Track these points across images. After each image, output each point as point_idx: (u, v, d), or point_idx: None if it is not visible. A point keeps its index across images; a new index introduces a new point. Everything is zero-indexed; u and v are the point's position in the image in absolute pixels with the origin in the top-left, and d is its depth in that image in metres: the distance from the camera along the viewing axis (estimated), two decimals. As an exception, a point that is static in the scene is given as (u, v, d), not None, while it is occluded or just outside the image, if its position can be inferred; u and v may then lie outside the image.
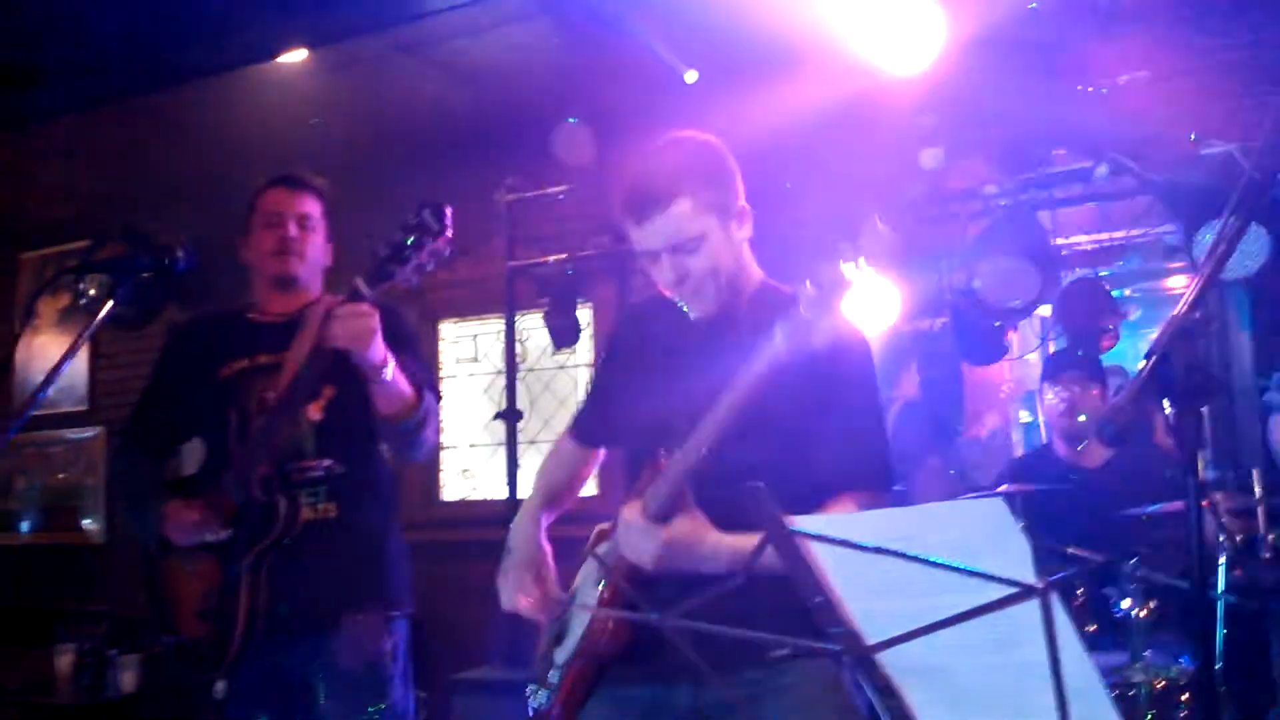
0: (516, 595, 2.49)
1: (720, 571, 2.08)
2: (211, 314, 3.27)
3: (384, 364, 2.82)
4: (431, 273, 2.83)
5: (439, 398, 3.12)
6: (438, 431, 3.13)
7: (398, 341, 2.91)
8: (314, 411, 2.95)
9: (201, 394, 3.07)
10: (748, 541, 2.03)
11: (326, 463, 2.97)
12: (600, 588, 2.36)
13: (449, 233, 2.80)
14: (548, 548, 2.56)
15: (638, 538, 2.17)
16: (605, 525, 2.46)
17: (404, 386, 2.89)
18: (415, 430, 2.96)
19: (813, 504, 2.14)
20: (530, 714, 2.48)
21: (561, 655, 2.42)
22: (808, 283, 2.01)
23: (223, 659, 2.88)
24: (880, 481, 2.28)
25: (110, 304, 2.91)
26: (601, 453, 2.74)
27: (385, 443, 3.07)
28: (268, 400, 2.96)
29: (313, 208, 3.14)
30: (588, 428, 2.69)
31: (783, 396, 2.10)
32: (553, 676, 2.42)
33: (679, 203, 2.24)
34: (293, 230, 3.09)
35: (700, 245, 2.26)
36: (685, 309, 2.35)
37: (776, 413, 2.13)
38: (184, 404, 3.13)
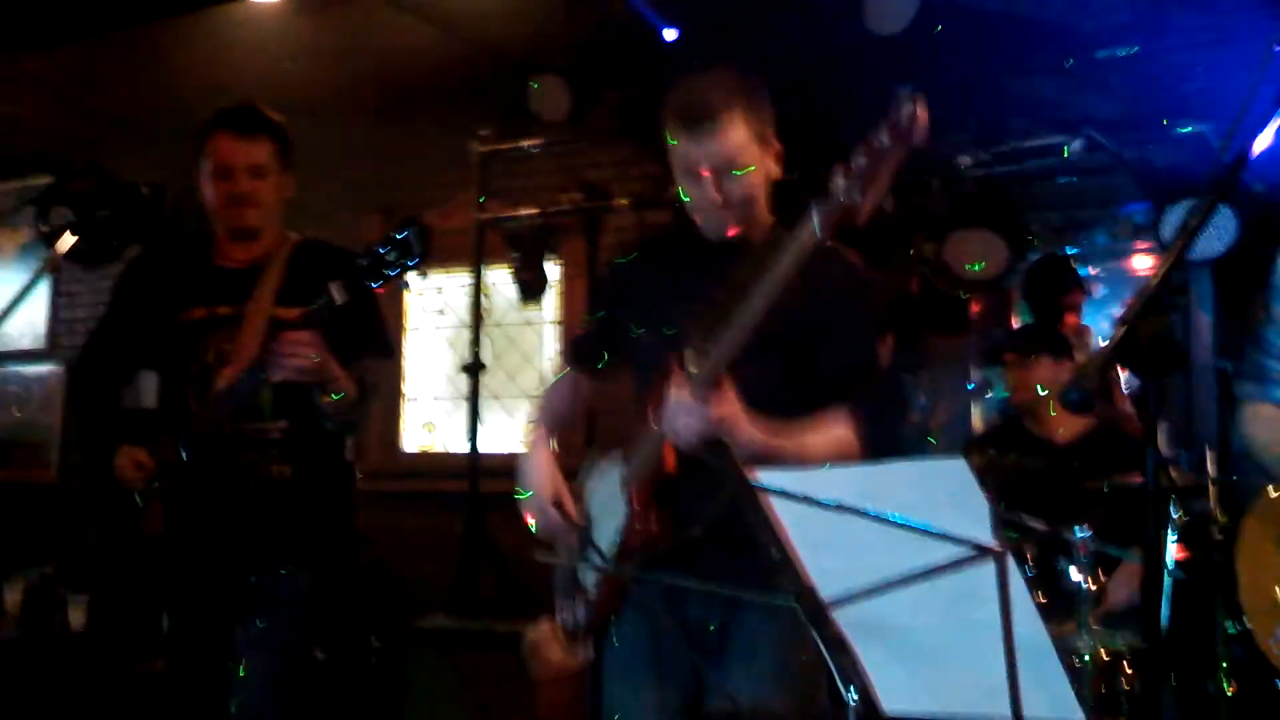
0: (546, 523, 2.53)
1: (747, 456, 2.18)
2: (170, 250, 3.21)
3: (331, 384, 2.85)
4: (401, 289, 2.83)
5: (392, 354, 3.13)
6: (370, 402, 3.12)
7: (354, 312, 2.85)
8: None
9: (157, 334, 3.05)
10: (777, 437, 2.21)
11: (283, 424, 2.96)
12: (625, 505, 2.42)
13: (428, 254, 2.80)
14: (562, 477, 2.59)
15: (685, 415, 2.21)
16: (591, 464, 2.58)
17: (349, 389, 2.90)
18: (355, 420, 3.03)
19: (807, 412, 2.29)
20: (565, 633, 2.56)
21: (594, 560, 2.50)
22: (841, 167, 2.05)
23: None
24: (870, 398, 2.38)
25: (70, 239, 2.87)
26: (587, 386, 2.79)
27: (325, 420, 3.04)
28: (226, 353, 2.94)
29: (265, 153, 3.05)
30: (590, 351, 2.71)
31: (797, 306, 2.19)
32: (592, 592, 2.51)
33: (734, 121, 2.31)
34: (245, 184, 3.02)
35: (744, 168, 2.34)
36: (704, 226, 2.41)
37: (787, 321, 2.21)
38: (139, 341, 3.11)
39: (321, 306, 2.75)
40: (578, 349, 2.77)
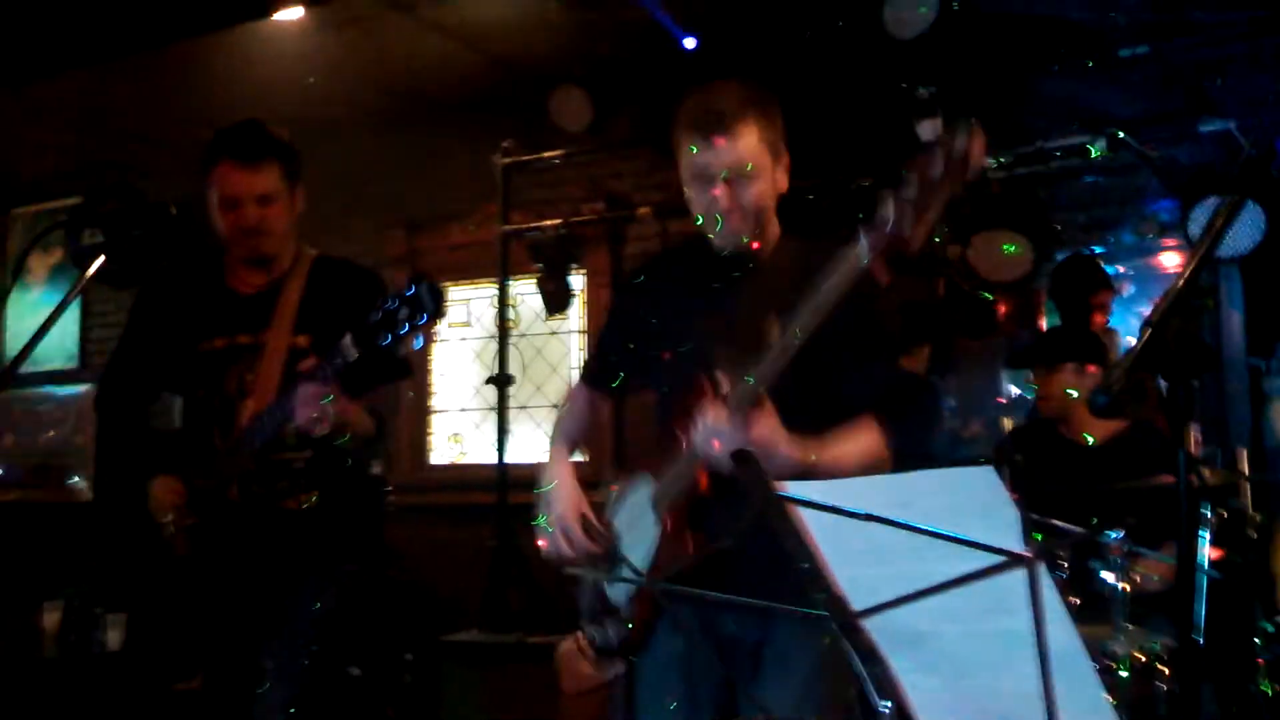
0: (565, 543, 2.51)
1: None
2: (186, 272, 3.19)
3: (345, 428, 2.84)
4: (413, 348, 2.82)
5: (411, 374, 3.13)
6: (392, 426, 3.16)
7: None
8: None
9: (177, 360, 3.05)
10: (811, 452, 2.22)
11: (307, 453, 2.95)
12: (655, 525, 2.42)
13: (442, 314, 2.74)
14: (583, 494, 2.59)
15: (721, 437, 2.21)
16: (613, 485, 2.58)
17: (362, 426, 2.91)
18: (373, 449, 3.03)
19: (833, 424, 2.30)
20: (596, 651, 2.54)
21: (622, 591, 2.49)
22: (890, 194, 2.05)
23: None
24: (898, 408, 2.39)
25: (101, 259, 2.88)
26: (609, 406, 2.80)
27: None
28: (248, 384, 2.95)
29: (271, 180, 2.99)
30: (605, 370, 2.72)
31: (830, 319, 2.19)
32: (625, 610, 2.50)
33: (748, 128, 2.33)
34: (253, 215, 2.97)
35: (754, 177, 2.36)
36: (714, 237, 2.41)
37: (820, 333, 2.20)
38: (159, 365, 3.12)
39: (333, 362, 2.73)
40: (593, 369, 2.77)
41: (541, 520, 2.57)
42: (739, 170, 2.33)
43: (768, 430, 2.20)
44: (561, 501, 2.54)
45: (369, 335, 2.68)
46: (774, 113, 2.40)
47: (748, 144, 2.33)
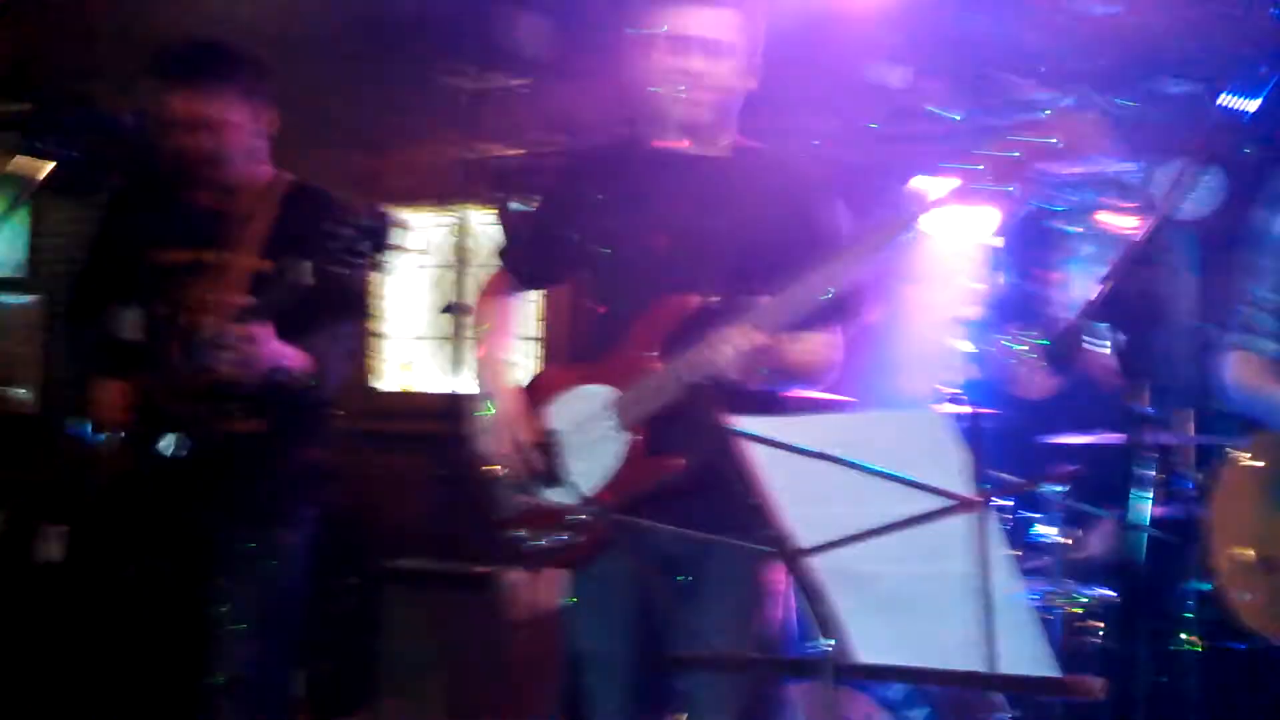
0: (502, 440, 2.50)
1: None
2: (151, 183, 3.08)
3: (279, 372, 2.78)
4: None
5: (366, 316, 3.11)
6: (346, 363, 3.08)
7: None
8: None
9: (141, 272, 2.97)
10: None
11: (256, 379, 2.85)
12: (615, 439, 2.39)
13: (400, 248, 2.73)
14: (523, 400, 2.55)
15: (746, 363, 2.21)
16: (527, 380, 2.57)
17: (301, 364, 2.83)
18: (310, 388, 2.92)
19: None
20: (531, 558, 2.52)
21: (569, 495, 2.44)
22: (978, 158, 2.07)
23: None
24: (846, 319, 2.42)
25: (50, 167, 2.80)
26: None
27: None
28: (209, 303, 2.86)
29: (227, 104, 2.86)
30: (534, 260, 2.68)
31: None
32: (582, 514, 2.45)
33: (730, 11, 2.37)
34: (205, 141, 2.86)
35: (731, 54, 2.37)
36: (672, 112, 2.40)
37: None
38: (122, 279, 3.03)
39: (283, 289, 2.66)
40: (520, 257, 2.71)
41: (486, 420, 2.54)
42: (714, 41, 2.34)
43: (779, 354, 2.26)
44: (504, 400, 2.52)
45: (327, 265, 2.61)
46: (755, 19, 2.43)
47: (732, 19, 2.36)
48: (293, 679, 3.72)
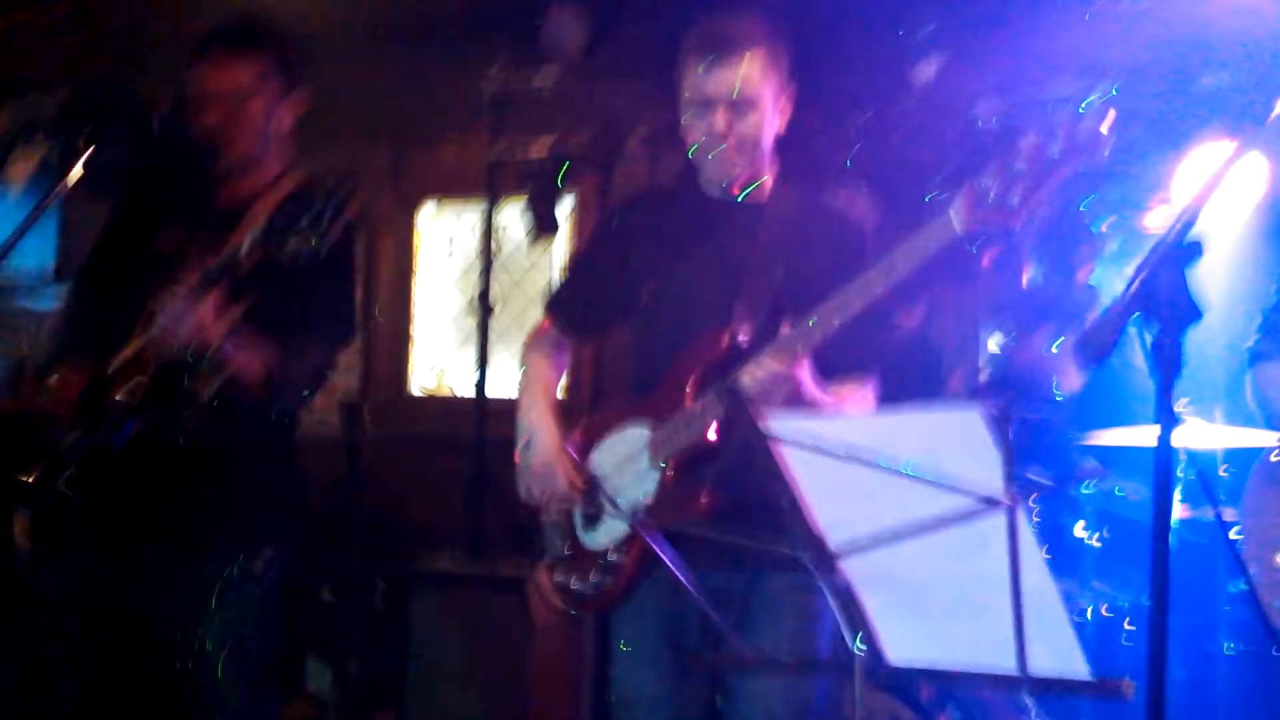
0: (544, 485, 2.49)
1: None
2: (168, 167, 2.98)
3: (212, 360, 2.55)
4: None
5: (350, 337, 2.89)
6: (311, 378, 2.81)
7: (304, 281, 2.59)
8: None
9: (141, 255, 2.84)
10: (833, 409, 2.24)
11: (218, 384, 2.63)
12: (661, 467, 2.38)
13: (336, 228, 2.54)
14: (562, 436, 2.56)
15: (770, 392, 2.20)
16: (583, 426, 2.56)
17: (248, 369, 2.61)
18: (263, 396, 2.69)
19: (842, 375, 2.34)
20: (569, 597, 2.50)
21: (605, 537, 2.44)
22: (995, 163, 2.00)
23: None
24: (897, 373, 2.45)
25: (79, 173, 2.77)
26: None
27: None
28: (179, 283, 2.65)
29: (247, 76, 2.73)
30: (579, 308, 2.67)
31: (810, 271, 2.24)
32: (613, 556, 2.44)
33: (753, 56, 2.33)
34: (219, 114, 2.72)
35: (755, 107, 2.35)
36: (708, 170, 2.40)
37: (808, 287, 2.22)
38: (125, 262, 2.88)
39: (225, 262, 2.52)
40: (566, 305, 2.70)
41: (522, 463, 2.54)
42: (740, 97, 2.32)
43: (808, 386, 2.23)
44: (544, 441, 2.51)
45: (281, 233, 2.47)
46: (782, 49, 2.40)
47: (752, 72, 2.32)
48: (321, 679, 3.70)
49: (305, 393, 2.80)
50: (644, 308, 2.50)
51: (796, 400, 2.21)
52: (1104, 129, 1.90)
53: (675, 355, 2.40)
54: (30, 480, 2.74)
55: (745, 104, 2.33)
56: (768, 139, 2.41)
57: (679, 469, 2.35)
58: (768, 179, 2.47)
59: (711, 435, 2.29)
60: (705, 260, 2.43)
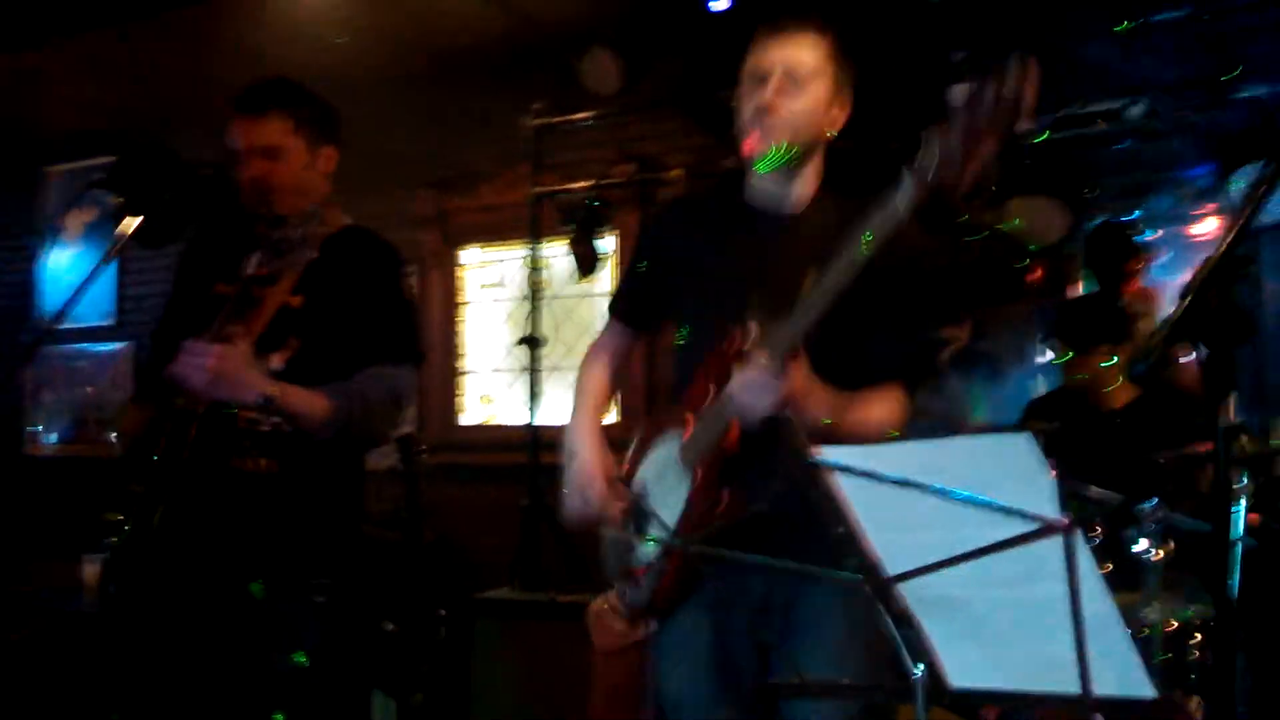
0: (586, 502, 2.50)
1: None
2: (221, 232, 3.09)
3: (259, 403, 2.60)
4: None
5: (420, 361, 2.95)
6: (395, 411, 2.88)
7: (363, 310, 2.73)
8: (276, 361, 2.70)
9: (202, 305, 2.89)
10: (840, 413, 2.21)
11: (276, 419, 2.68)
12: (684, 479, 2.39)
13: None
14: (607, 451, 2.57)
15: (756, 392, 2.19)
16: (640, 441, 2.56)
17: (303, 408, 2.67)
18: (338, 435, 2.73)
19: (861, 385, 2.29)
20: (627, 609, 2.53)
21: (652, 547, 2.45)
22: (934, 136, 2.00)
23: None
24: (922, 376, 2.40)
25: (138, 221, 2.86)
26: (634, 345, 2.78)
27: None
28: (229, 332, 2.72)
29: (278, 131, 2.87)
30: (636, 301, 2.69)
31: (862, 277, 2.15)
32: (650, 576, 2.46)
33: (814, 41, 2.34)
34: (256, 168, 2.86)
35: (805, 90, 2.33)
36: (749, 153, 2.37)
37: (858, 290, 2.16)
38: (188, 313, 2.95)
39: (299, 323, 2.61)
40: (623, 301, 2.73)
41: (568, 474, 2.55)
42: (794, 73, 2.31)
43: (800, 386, 2.18)
44: (583, 460, 2.52)
45: (272, 253, 2.61)
46: (844, 53, 2.39)
47: (809, 55, 2.32)
48: (386, 712, 3.71)
49: (384, 424, 2.87)
50: (689, 304, 2.51)
51: (795, 401, 2.18)
52: (1027, 86, 1.90)
53: (703, 361, 2.40)
54: (110, 520, 2.79)
55: (798, 82, 2.31)
56: (815, 127, 2.38)
57: (705, 474, 2.34)
58: (812, 186, 2.46)
59: (733, 435, 2.28)
60: (735, 266, 2.41)
